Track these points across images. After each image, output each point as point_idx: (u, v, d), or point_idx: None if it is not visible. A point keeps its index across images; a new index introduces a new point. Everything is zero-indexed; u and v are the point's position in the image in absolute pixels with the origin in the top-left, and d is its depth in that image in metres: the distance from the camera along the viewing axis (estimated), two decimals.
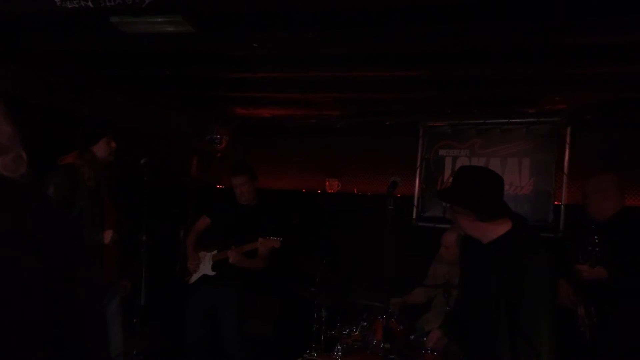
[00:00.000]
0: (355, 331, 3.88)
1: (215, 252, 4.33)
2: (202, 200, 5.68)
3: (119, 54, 3.71)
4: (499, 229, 2.44)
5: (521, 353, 2.29)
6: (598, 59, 3.45)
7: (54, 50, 3.61)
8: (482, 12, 2.78)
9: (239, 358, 4.35)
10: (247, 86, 4.69)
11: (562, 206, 4.52)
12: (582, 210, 3.66)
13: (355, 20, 2.95)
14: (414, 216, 5.14)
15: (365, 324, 3.89)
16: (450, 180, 4.88)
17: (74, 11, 2.83)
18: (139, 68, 4.03)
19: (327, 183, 5.81)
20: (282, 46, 3.18)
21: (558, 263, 3.47)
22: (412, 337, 3.91)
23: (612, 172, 3.71)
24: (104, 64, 3.97)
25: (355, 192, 5.69)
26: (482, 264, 2.49)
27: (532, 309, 2.29)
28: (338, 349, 3.69)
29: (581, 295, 3.38)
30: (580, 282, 3.29)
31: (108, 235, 3.55)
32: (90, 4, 2.76)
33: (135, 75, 4.32)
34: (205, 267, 4.35)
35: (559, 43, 3.20)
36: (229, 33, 3.10)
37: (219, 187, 6.18)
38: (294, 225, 5.52)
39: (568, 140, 4.51)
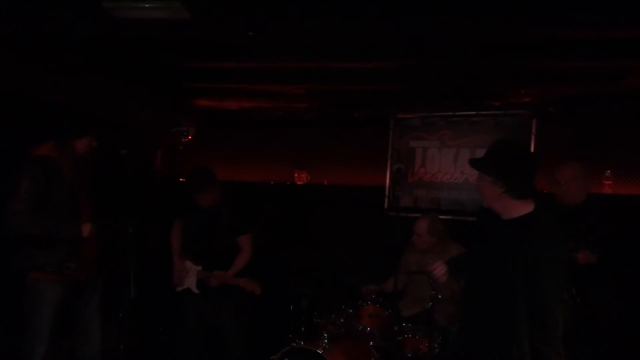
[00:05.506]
0: (340, 319, 3.92)
1: (200, 268, 4.20)
2: (166, 194, 5.54)
3: (100, 40, 3.55)
4: (522, 208, 2.44)
5: (537, 334, 2.31)
6: (564, 54, 3.66)
7: (35, 32, 3.41)
8: (458, 5, 2.88)
9: (238, 349, 4.30)
10: (218, 77, 4.61)
11: None
12: (547, 197, 3.81)
13: (351, 11, 2.97)
14: (386, 206, 5.24)
15: (350, 310, 3.94)
16: (422, 170, 5.04)
17: None
18: (122, 55, 3.88)
19: (295, 175, 5.82)
20: (278, 35, 3.16)
21: None
22: (396, 328, 3.96)
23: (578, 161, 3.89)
24: (83, 51, 3.79)
25: (325, 183, 5.73)
26: (501, 239, 2.48)
27: (552, 288, 2.33)
28: (324, 336, 3.71)
29: None
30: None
31: (86, 229, 3.41)
32: None
33: (110, 63, 4.15)
34: (191, 282, 4.23)
35: (528, 38, 3.37)
36: (225, 21, 3.04)
37: (182, 181, 6.04)
38: (265, 217, 5.49)
39: (534, 131, 4.75)
